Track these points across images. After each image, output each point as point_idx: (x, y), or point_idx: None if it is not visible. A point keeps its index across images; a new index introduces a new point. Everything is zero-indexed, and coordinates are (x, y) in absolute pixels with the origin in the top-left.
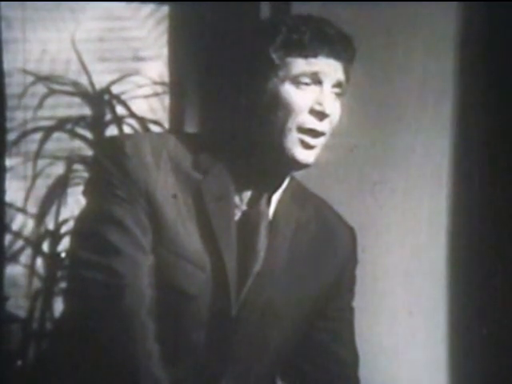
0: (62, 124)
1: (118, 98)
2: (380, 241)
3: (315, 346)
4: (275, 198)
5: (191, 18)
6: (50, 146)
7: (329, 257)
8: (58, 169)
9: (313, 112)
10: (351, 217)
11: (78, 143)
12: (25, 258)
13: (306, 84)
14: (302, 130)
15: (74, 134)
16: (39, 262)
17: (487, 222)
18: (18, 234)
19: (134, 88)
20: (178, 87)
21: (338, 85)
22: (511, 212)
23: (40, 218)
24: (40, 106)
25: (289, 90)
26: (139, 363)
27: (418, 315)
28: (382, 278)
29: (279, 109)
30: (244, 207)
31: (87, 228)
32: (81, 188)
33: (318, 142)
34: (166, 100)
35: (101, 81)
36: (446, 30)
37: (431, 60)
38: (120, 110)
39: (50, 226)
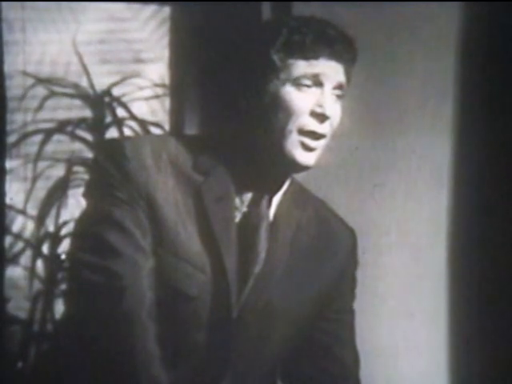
0: (62, 126)
1: (118, 100)
2: (380, 242)
3: (316, 347)
4: (276, 199)
5: (192, 20)
6: (51, 148)
7: (329, 258)
8: (59, 171)
9: (313, 114)
10: (351, 218)
11: (78, 145)
12: (25, 259)
13: (307, 86)
14: (303, 132)
15: (75, 136)
16: (39, 263)
17: (487, 223)
18: (18, 236)
19: (135, 90)
20: (179, 89)
21: (339, 87)
22: (511, 213)
23: (40, 219)
24: (40, 108)
25: (289, 92)
26: (139, 364)
27: (419, 317)
28: (383, 279)
29: (280, 111)
30: (244, 209)
31: (87, 230)
32: (81, 190)
33: (319, 144)
34: (167, 102)
35: (101, 83)
36: (447, 31)
37: (432, 61)
38: (120, 112)
39: (51, 227)
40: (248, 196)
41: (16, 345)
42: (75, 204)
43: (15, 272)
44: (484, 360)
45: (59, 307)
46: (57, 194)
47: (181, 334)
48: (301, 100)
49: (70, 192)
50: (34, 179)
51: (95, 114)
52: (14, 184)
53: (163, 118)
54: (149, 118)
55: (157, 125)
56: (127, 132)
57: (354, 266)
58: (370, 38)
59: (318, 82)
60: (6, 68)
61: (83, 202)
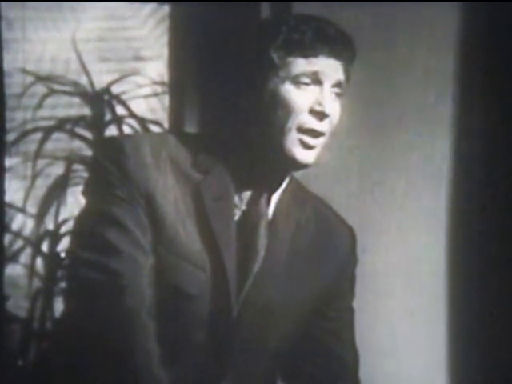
0: (61, 124)
1: (117, 97)
2: (380, 241)
3: (315, 345)
4: (275, 197)
5: (192, 18)
6: (50, 145)
7: (329, 257)
8: (58, 169)
9: (313, 112)
10: (351, 217)
11: (77, 143)
12: (25, 257)
13: (306, 84)
14: (302, 130)
15: (74, 134)
16: (39, 261)
17: (487, 222)
18: (17, 234)
19: (134, 88)
20: (178, 87)
21: (338, 85)
22: (511, 212)
23: (40, 217)
24: (40, 106)
25: (289, 90)
26: (139, 363)
27: (418, 315)
28: (382, 278)
29: (279, 109)
30: (244, 207)
31: (87, 228)
32: (80, 188)
33: (318, 142)
34: (166, 100)
35: (101, 81)
36: (446, 30)
37: (431, 60)
38: (120, 110)
39: (50, 225)
40: (247, 194)
41: (16, 343)
42: (74, 202)
43: (15, 270)
44: (484, 360)
45: (59, 305)
46: (56, 192)
47: (181, 332)
48: (300, 98)
49: (70, 190)
50: (34, 177)
51: (94, 111)
52: (13, 182)
53: (162, 115)
54: (148, 115)
55: (156, 123)
56: (126, 130)
57: (354, 265)
58: (369, 37)
59: (317, 79)
60: (6, 66)
61: (82, 200)
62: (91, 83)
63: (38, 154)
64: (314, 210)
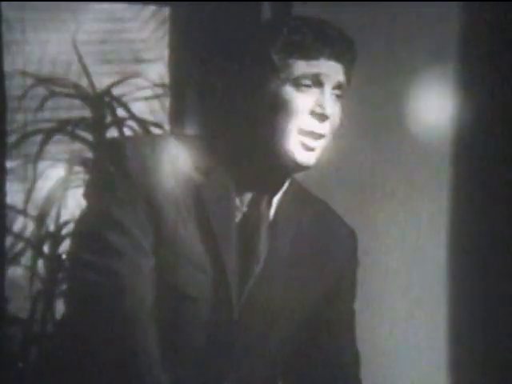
0: (62, 126)
1: (118, 99)
2: (380, 243)
3: (316, 347)
4: (276, 199)
5: (192, 20)
6: (51, 148)
7: (330, 259)
8: (59, 171)
9: (313, 114)
10: (352, 219)
11: (78, 145)
12: (26, 259)
13: (307, 86)
14: (303, 131)
15: (75, 136)
16: (40, 263)
17: (487, 224)
18: (18, 236)
19: (135, 90)
20: (179, 89)
21: (339, 87)
22: (511, 213)
23: (41, 220)
24: (40, 108)
25: (290, 92)
26: (140, 365)
27: (419, 317)
28: (383, 279)
29: (280, 111)
30: (244, 209)
31: (88, 230)
32: (81, 190)
33: (319, 143)
34: (167, 102)
35: (101, 83)
36: (446, 31)
37: (431, 61)
38: (120, 112)
39: (51, 228)
40: (248, 196)
41: (16, 345)
42: (75, 204)
43: (16, 272)
44: (484, 360)
45: (60, 307)
46: (57, 194)
47: (182, 334)
48: (301, 100)
49: (71, 192)
50: (35, 179)
51: (95, 113)
52: (14, 184)
53: (163, 117)
54: (149, 117)
55: (157, 125)
56: (127, 132)
57: (355, 266)
58: (369, 38)
59: (317, 81)
60: (6, 68)
61: (83, 203)
62: (92, 85)
63: (38, 156)
64: (314, 211)
